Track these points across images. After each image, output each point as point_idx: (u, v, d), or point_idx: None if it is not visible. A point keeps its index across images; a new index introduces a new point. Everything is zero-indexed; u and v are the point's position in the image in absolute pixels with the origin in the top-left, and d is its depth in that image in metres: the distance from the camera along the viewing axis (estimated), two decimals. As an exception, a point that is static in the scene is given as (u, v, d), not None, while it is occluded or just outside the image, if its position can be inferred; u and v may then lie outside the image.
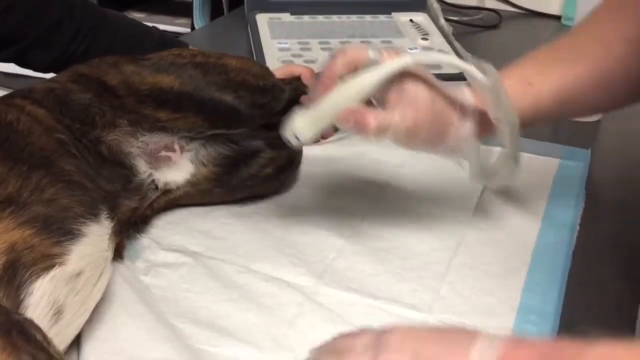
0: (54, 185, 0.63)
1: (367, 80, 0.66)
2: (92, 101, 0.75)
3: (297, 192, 0.87)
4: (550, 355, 0.45)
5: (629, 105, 0.79)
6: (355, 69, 0.68)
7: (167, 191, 0.80)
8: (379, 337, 0.48)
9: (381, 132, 0.66)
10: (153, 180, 0.78)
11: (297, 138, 0.66)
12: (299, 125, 0.66)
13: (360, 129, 0.65)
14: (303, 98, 0.95)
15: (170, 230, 0.80)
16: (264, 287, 0.70)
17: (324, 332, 0.64)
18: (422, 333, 0.49)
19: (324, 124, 0.66)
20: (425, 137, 0.68)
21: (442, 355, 0.47)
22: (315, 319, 0.67)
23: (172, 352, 0.62)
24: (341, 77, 0.68)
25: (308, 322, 0.66)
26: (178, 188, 0.80)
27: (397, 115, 0.66)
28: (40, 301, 0.56)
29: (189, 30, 1.61)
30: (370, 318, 0.66)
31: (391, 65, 0.67)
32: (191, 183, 0.81)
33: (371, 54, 0.68)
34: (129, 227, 0.76)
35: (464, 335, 0.47)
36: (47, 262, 0.58)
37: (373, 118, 0.65)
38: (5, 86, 1.48)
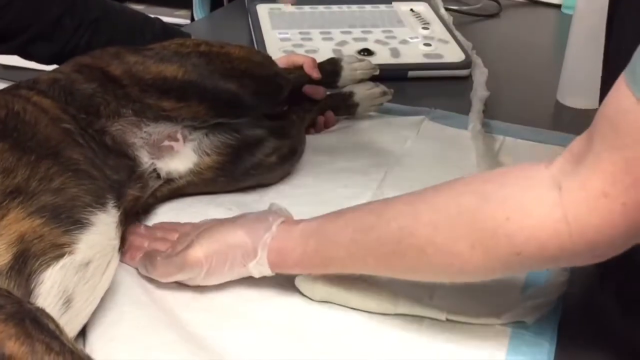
0: (62, 174, 0.63)
1: None
2: (96, 91, 0.76)
3: (301, 180, 0.88)
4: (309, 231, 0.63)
5: None
6: None
7: (170, 180, 0.80)
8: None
9: None
10: (155, 170, 0.78)
11: None
12: None
13: None
14: (306, 87, 0.96)
15: (173, 218, 0.79)
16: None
17: (330, 319, 0.66)
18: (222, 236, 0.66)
19: None
20: None
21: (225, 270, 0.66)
22: (318, 306, 0.67)
23: (175, 338, 0.62)
24: None
25: (310, 307, 0.67)
26: (181, 177, 0.80)
27: None
28: (50, 290, 0.57)
29: (188, 21, 1.61)
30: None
31: None
32: (195, 172, 0.81)
33: None
34: (133, 217, 0.76)
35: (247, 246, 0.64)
36: (56, 251, 0.58)
37: None
38: (6, 79, 1.49)
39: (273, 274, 0.65)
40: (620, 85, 0.48)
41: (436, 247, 0.55)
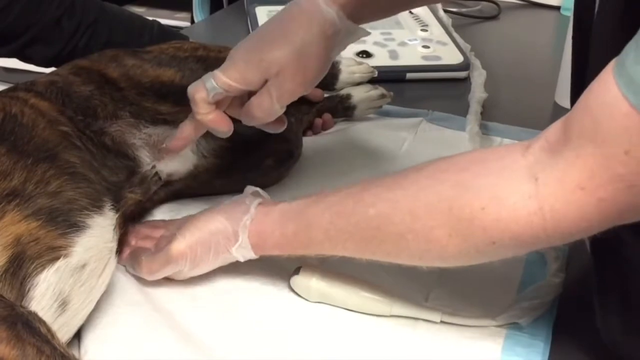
0: (58, 177, 0.64)
1: None
2: (93, 93, 0.76)
3: (298, 182, 0.88)
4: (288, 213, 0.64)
5: None
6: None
7: (168, 183, 0.80)
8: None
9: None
10: (156, 172, 0.78)
11: None
12: None
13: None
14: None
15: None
16: (263, 274, 0.71)
17: (326, 321, 0.66)
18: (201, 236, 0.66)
19: None
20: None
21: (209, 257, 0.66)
22: (313, 307, 0.67)
23: (171, 337, 0.63)
24: None
25: (305, 308, 0.67)
26: (180, 180, 0.81)
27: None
28: (45, 293, 0.57)
29: (188, 24, 1.62)
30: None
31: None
32: (192, 175, 0.81)
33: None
34: (131, 220, 0.76)
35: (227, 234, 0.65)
36: (52, 254, 0.58)
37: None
38: (6, 81, 1.49)
39: (257, 257, 0.66)
40: (607, 77, 0.46)
41: (415, 234, 0.56)
